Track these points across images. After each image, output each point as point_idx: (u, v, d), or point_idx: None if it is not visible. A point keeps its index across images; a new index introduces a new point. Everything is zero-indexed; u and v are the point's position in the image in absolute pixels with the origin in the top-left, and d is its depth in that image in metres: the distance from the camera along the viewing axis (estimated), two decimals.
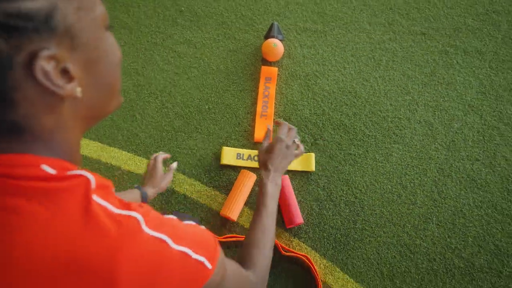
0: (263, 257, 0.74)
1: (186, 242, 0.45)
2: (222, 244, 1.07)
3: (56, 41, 0.37)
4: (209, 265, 0.47)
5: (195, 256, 0.45)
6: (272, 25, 1.32)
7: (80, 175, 0.41)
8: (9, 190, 0.37)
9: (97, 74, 0.43)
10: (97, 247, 0.37)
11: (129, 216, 0.41)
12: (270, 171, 0.89)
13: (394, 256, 1.07)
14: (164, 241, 0.43)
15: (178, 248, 0.44)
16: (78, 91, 0.40)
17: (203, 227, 0.53)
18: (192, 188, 1.14)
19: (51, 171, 0.39)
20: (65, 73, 0.39)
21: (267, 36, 1.32)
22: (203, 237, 0.50)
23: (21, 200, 0.37)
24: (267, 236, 0.78)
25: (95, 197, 0.40)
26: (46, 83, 0.37)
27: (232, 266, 0.60)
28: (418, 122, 1.24)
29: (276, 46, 1.27)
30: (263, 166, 0.91)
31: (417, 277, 1.05)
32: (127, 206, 0.42)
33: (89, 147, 1.20)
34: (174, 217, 0.49)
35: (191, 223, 0.52)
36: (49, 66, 0.36)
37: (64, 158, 0.42)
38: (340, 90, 1.29)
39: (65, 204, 0.38)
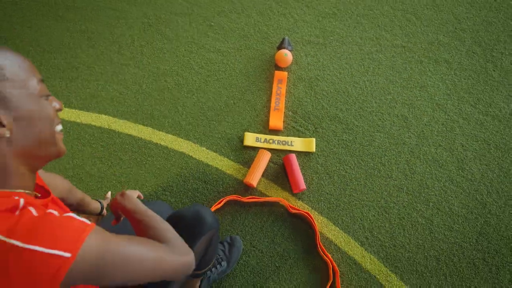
0: (170, 233, 0.76)
1: (39, 239, 0.54)
2: (245, 204, 1.44)
3: None
4: (65, 254, 0.54)
5: (46, 250, 0.54)
6: (283, 38, 1.69)
7: None
8: None
9: (26, 125, 0.62)
10: None
11: None
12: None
13: (373, 215, 1.43)
14: (13, 244, 0.53)
15: (27, 246, 0.53)
16: (6, 133, 0.60)
17: (81, 219, 0.60)
18: (222, 162, 1.51)
19: None
20: None
21: (279, 47, 1.68)
22: (65, 230, 0.57)
23: None
24: (160, 225, 0.76)
25: None
26: None
27: (135, 245, 0.65)
28: (396, 116, 1.60)
29: (286, 56, 1.63)
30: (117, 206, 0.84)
31: (389, 230, 1.41)
32: None
33: (143, 132, 1.57)
34: (55, 214, 0.59)
35: (71, 215, 0.60)
36: None
37: (2, 185, 0.61)
38: (336, 91, 1.65)
39: None
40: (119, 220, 0.86)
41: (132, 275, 0.63)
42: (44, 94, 0.65)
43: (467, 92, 1.64)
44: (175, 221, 0.89)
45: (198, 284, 1.23)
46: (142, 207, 0.78)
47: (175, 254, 0.72)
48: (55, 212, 0.60)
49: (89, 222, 0.61)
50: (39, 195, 0.72)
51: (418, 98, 1.63)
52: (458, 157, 1.53)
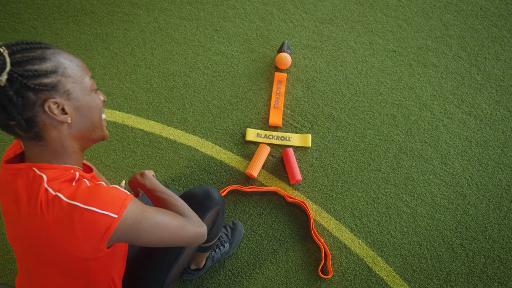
0: (186, 209, 0.91)
1: (95, 202, 0.70)
2: (246, 193, 1.58)
3: (58, 95, 0.71)
4: (114, 215, 0.70)
5: (101, 211, 0.70)
6: (283, 42, 1.83)
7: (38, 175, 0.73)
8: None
9: (82, 113, 0.76)
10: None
11: (54, 196, 0.71)
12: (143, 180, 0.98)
13: (363, 204, 1.58)
14: (77, 205, 0.69)
15: (87, 207, 0.69)
16: (68, 119, 0.74)
17: (123, 190, 0.76)
18: (225, 156, 1.66)
19: (38, 171, 0.75)
20: (63, 110, 0.73)
21: (279, 51, 1.82)
22: (113, 197, 0.72)
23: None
24: (178, 202, 0.92)
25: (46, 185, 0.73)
26: (50, 113, 0.71)
27: (162, 215, 0.81)
28: (386, 115, 1.74)
29: (286, 58, 1.78)
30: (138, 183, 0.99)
31: (377, 218, 1.55)
32: (59, 189, 0.72)
33: (154, 127, 1.72)
34: (103, 184, 0.75)
35: (115, 187, 0.76)
36: (53, 105, 0.71)
37: (63, 161, 0.77)
38: (331, 91, 1.79)
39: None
40: (138, 196, 1.01)
41: (159, 237, 0.79)
42: (94, 88, 0.80)
43: (452, 93, 1.78)
44: (187, 197, 1.04)
45: (204, 262, 1.37)
46: (160, 186, 0.93)
47: (193, 225, 0.87)
48: (103, 183, 0.76)
49: (129, 193, 0.76)
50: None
51: (407, 98, 1.77)
52: (442, 153, 1.67)
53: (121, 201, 0.72)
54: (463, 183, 1.61)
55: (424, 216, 1.55)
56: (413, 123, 1.72)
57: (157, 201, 0.92)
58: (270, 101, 1.76)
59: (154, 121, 1.73)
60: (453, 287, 1.45)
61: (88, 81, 0.77)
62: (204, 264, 1.39)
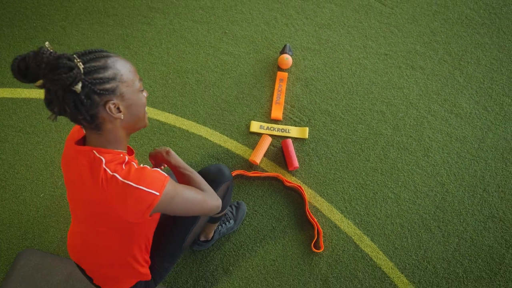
0: (205, 185, 1.11)
1: (143, 183, 0.88)
2: (249, 177, 1.79)
3: (115, 97, 0.87)
4: (156, 193, 0.89)
5: (147, 189, 0.89)
6: (285, 45, 2.04)
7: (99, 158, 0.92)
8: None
9: (132, 110, 0.91)
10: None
11: (112, 175, 0.90)
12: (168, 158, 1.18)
13: (352, 190, 1.78)
14: (129, 184, 0.88)
15: (137, 186, 0.88)
16: (122, 116, 0.90)
17: (162, 172, 0.94)
18: (232, 145, 1.87)
19: (98, 154, 0.94)
20: (118, 108, 0.88)
21: (281, 52, 2.03)
22: (155, 179, 0.91)
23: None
24: (198, 179, 1.12)
25: (104, 166, 0.91)
26: (109, 112, 0.87)
27: (189, 191, 1.01)
28: (376, 111, 1.94)
29: (287, 59, 1.98)
30: (164, 160, 1.19)
31: (364, 202, 1.76)
32: (115, 170, 0.91)
33: (169, 118, 1.93)
34: (148, 168, 0.93)
35: (156, 169, 0.94)
36: (112, 106, 0.87)
37: (115, 147, 0.95)
38: (327, 89, 1.99)
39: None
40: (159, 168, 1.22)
41: (187, 209, 1.00)
42: (141, 89, 0.95)
43: (436, 93, 1.98)
44: (203, 174, 1.25)
45: (212, 234, 1.58)
46: (183, 163, 1.14)
47: (212, 198, 1.08)
48: (148, 166, 0.96)
49: (166, 175, 0.95)
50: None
51: (395, 97, 1.97)
52: (424, 146, 1.87)
53: (161, 181, 0.91)
54: (443, 173, 1.81)
55: (407, 201, 1.76)
56: (400, 119, 1.92)
57: (181, 176, 1.12)
58: (272, 97, 1.96)
59: (169, 113, 1.94)
60: (430, 263, 1.65)
61: (137, 83, 0.92)
62: (212, 237, 1.61)
